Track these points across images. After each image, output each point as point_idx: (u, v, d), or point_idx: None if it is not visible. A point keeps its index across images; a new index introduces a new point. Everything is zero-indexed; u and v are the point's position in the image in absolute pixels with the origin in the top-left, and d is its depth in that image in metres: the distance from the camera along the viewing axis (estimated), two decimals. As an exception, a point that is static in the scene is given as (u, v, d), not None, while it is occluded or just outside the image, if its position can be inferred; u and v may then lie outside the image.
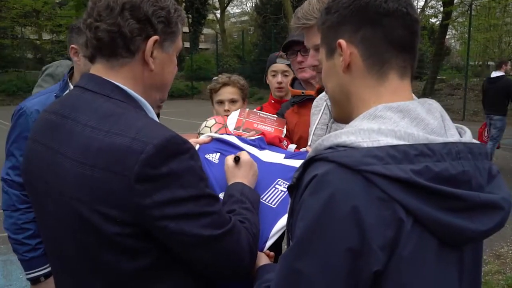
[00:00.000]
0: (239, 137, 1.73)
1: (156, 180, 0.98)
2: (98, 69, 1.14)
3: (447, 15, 18.30)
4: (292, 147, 1.82)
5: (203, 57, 29.00)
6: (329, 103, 1.71)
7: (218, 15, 35.75)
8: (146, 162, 0.96)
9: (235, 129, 1.98)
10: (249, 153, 1.62)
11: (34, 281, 2.14)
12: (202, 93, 23.48)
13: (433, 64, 19.18)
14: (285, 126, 2.04)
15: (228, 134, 1.75)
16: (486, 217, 0.85)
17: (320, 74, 1.08)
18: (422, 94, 16.76)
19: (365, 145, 0.81)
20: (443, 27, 18.81)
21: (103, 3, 1.09)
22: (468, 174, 0.84)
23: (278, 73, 2.82)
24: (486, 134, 8.30)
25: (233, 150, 1.63)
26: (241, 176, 1.41)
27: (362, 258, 0.76)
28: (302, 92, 2.18)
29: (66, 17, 24.50)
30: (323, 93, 1.80)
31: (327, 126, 1.73)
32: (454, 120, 0.93)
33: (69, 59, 2.24)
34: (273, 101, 2.87)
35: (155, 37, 1.11)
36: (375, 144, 0.81)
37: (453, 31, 24.32)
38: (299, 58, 2.11)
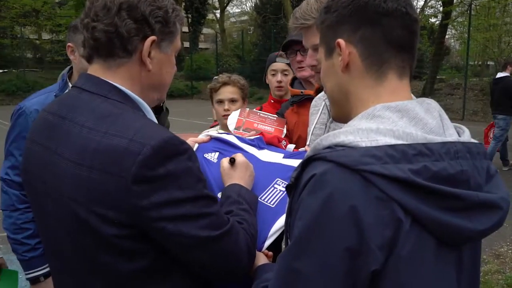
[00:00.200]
0: (238, 136, 1.73)
1: (154, 181, 0.98)
2: (96, 69, 1.14)
3: (446, 15, 18.30)
4: (291, 146, 1.82)
5: (202, 57, 29.00)
6: (327, 103, 1.71)
7: (218, 15, 35.74)
8: (143, 164, 0.96)
9: (235, 129, 1.99)
10: (248, 152, 1.62)
11: (34, 281, 2.14)
12: (201, 93, 23.49)
13: (432, 63, 19.17)
14: (285, 126, 2.04)
15: (227, 134, 1.75)
16: (485, 217, 0.85)
17: (319, 74, 1.07)
18: (422, 93, 16.76)
19: (363, 144, 0.81)
20: (443, 27, 18.80)
21: (100, 3, 1.09)
22: (466, 173, 0.84)
23: (278, 72, 2.82)
24: (491, 135, 8.38)
25: (232, 149, 1.63)
26: (238, 177, 1.40)
27: (360, 257, 0.76)
28: (301, 92, 2.18)
29: (65, 16, 24.46)
30: (322, 93, 1.80)
31: (326, 126, 1.73)
32: (453, 120, 0.94)
33: (68, 59, 2.24)
34: (272, 101, 2.87)
35: (152, 37, 1.11)
36: (374, 144, 0.81)
37: (453, 31, 24.31)
38: (299, 57, 2.11)
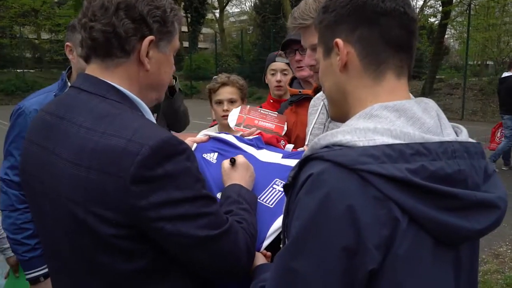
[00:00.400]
0: (236, 136, 1.73)
1: (152, 181, 0.98)
2: (93, 69, 1.14)
3: (446, 15, 18.30)
4: (290, 146, 1.82)
5: (202, 56, 28.97)
6: (326, 103, 1.72)
7: (217, 15, 35.71)
8: (141, 164, 0.96)
9: (236, 125, 1.99)
10: (247, 152, 1.62)
11: (34, 281, 2.13)
12: (201, 93, 23.44)
13: (432, 63, 19.17)
14: (285, 123, 2.05)
15: (226, 133, 1.75)
16: (482, 216, 0.85)
17: (317, 73, 1.08)
18: (421, 93, 16.76)
19: (361, 144, 0.81)
20: (442, 27, 18.81)
21: (97, 3, 1.08)
22: (464, 173, 0.84)
23: (277, 71, 2.82)
24: (498, 134, 8.40)
25: (231, 149, 1.63)
26: (238, 178, 1.41)
27: (357, 257, 0.76)
28: (299, 91, 2.18)
29: (64, 16, 24.46)
30: (321, 93, 1.81)
31: (325, 126, 1.74)
32: (453, 119, 0.94)
33: (68, 59, 2.24)
34: (272, 101, 2.87)
35: (150, 37, 1.10)
36: (371, 143, 0.81)
37: (452, 31, 24.32)
38: (298, 56, 2.11)
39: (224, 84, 2.33)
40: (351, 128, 0.85)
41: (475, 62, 26.93)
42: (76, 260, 1.09)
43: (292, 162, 1.58)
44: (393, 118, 0.86)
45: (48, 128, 1.12)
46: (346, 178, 0.78)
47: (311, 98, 2.08)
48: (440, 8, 19.65)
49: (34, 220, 1.23)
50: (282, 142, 1.88)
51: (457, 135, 0.93)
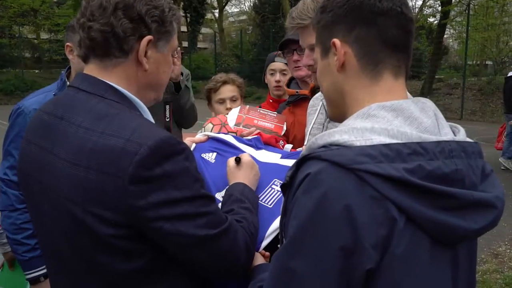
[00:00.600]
0: (235, 136, 1.73)
1: (151, 181, 0.98)
2: (92, 69, 1.14)
3: (445, 15, 18.31)
4: (289, 147, 1.83)
5: (201, 56, 28.95)
6: (325, 103, 1.72)
7: (217, 15, 35.68)
8: (140, 164, 0.96)
9: (235, 125, 1.99)
10: (245, 153, 1.62)
11: (34, 281, 2.13)
12: (200, 93, 23.39)
13: (431, 63, 19.18)
14: (285, 123, 2.05)
15: (225, 133, 1.75)
16: (479, 216, 0.85)
17: (315, 73, 1.08)
18: (420, 93, 16.78)
19: (358, 143, 0.81)
20: (441, 27, 18.82)
21: (96, 3, 1.08)
22: (461, 172, 0.84)
23: (277, 72, 2.83)
24: (505, 133, 8.44)
25: (229, 149, 1.64)
26: (242, 176, 1.41)
27: (354, 256, 0.76)
28: (297, 92, 2.19)
29: (64, 16, 24.43)
30: (319, 93, 1.81)
31: (323, 126, 1.74)
32: (452, 119, 0.94)
33: (67, 58, 2.24)
34: (271, 100, 2.88)
35: (148, 37, 1.10)
36: (368, 143, 0.81)
37: (451, 31, 24.32)
38: (295, 56, 2.12)
39: (225, 82, 2.34)
40: (348, 127, 0.85)
41: (474, 62, 26.93)
42: (74, 260, 1.09)
43: (291, 163, 1.57)
44: (390, 118, 0.86)
45: (46, 128, 1.12)
46: (343, 178, 0.78)
47: (308, 98, 2.08)
48: (439, 8, 19.65)
49: (33, 220, 1.23)
50: (281, 142, 1.88)
51: (455, 135, 0.93)
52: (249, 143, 1.70)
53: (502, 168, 8.31)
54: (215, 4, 34.88)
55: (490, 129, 13.03)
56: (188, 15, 30.51)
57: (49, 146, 1.09)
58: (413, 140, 0.82)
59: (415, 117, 0.88)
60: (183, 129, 2.60)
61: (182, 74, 2.39)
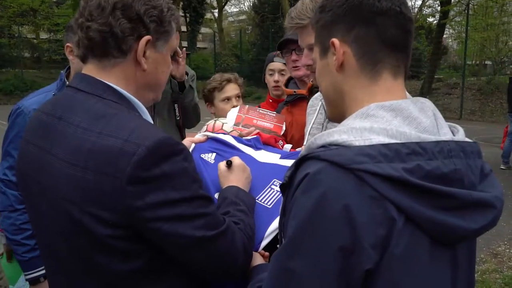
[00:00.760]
0: (235, 136, 1.73)
1: (149, 182, 0.98)
2: (90, 69, 1.14)
3: (444, 15, 18.33)
4: (288, 147, 1.83)
5: (201, 56, 28.94)
6: (324, 103, 1.72)
7: (216, 14, 35.67)
8: (138, 164, 0.96)
9: (234, 125, 1.99)
10: (245, 153, 1.62)
11: (34, 281, 2.13)
12: (200, 92, 23.46)
13: (430, 63, 19.21)
14: (284, 122, 2.05)
15: (224, 134, 1.75)
16: (478, 216, 0.85)
17: (314, 73, 1.08)
18: (420, 93, 16.80)
19: (357, 143, 0.81)
20: (441, 27, 18.84)
21: (94, 3, 1.08)
22: (460, 172, 0.84)
23: (275, 72, 2.84)
24: None
25: (229, 150, 1.63)
26: (235, 180, 1.40)
27: (353, 256, 0.76)
28: (294, 91, 2.19)
29: (63, 16, 24.40)
30: (319, 93, 1.81)
31: (323, 126, 1.74)
32: (451, 119, 0.94)
33: (66, 58, 2.24)
34: (271, 100, 2.88)
35: (147, 37, 1.10)
36: (367, 143, 0.81)
37: (451, 31, 24.37)
38: (294, 56, 2.12)
39: (229, 81, 2.36)
40: (347, 127, 0.85)
41: (473, 62, 26.97)
42: (72, 261, 1.09)
43: (290, 163, 1.57)
44: (389, 118, 0.86)
45: (45, 128, 1.12)
46: (342, 178, 0.78)
47: (306, 97, 2.09)
48: (439, 8, 19.67)
49: (31, 221, 1.22)
50: (280, 142, 1.88)
51: (454, 135, 0.93)
52: (248, 144, 1.70)
53: (502, 167, 8.32)
54: (215, 4, 34.86)
55: (489, 129, 13.05)
56: (188, 15, 30.50)
57: (47, 146, 1.09)
58: (412, 140, 0.82)
59: (414, 117, 0.88)
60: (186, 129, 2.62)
61: (187, 74, 2.42)
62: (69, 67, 2.27)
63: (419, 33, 21.69)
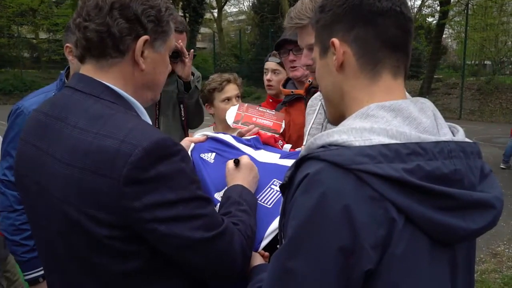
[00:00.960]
0: (234, 136, 1.73)
1: (145, 183, 0.97)
2: (88, 70, 1.13)
3: (444, 15, 18.34)
4: (288, 147, 1.83)
5: (200, 56, 28.89)
6: (323, 103, 1.72)
7: (215, 14, 35.66)
8: (135, 165, 0.96)
9: (234, 122, 1.99)
10: (244, 153, 1.62)
11: (33, 282, 2.13)
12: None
13: (430, 63, 19.21)
14: (283, 120, 2.05)
15: (224, 133, 1.75)
16: (478, 216, 0.85)
17: (314, 73, 1.08)
18: (419, 93, 16.81)
19: (357, 144, 0.81)
20: (440, 27, 18.85)
21: (92, 3, 1.08)
22: (460, 172, 0.84)
23: (269, 71, 2.86)
24: None
25: (228, 149, 1.63)
26: (241, 179, 1.40)
27: (353, 257, 0.76)
28: (292, 92, 2.20)
29: (62, 16, 24.39)
30: (318, 93, 1.81)
31: (322, 126, 1.74)
32: (450, 119, 0.94)
33: (66, 58, 2.24)
34: (271, 100, 2.89)
35: (145, 37, 1.10)
36: (367, 143, 0.81)
37: (450, 31, 24.39)
38: (291, 57, 2.12)
39: (228, 81, 2.37)
40: (347, 128, 0.85)
41: (473, 61, 26.98)
42: (70, 261, 1.08)
43: (290, 163, 1.57)
44: (389, 118, 0.86)
45: (43, 128, 1.12)
46: (342, 178, 0.78)
47: (303, 98, 2.09)
48: (438, 8, 19.69)
49: (29, 220, 1.22)
50: (280, 142, 1.88)
51: (454, 135, 0.93)
52: (248, 143, 1.70)
53: (501, 167, 8.32)
54: (214, 4, 34.85)
55: (488, 128, 13.06)
56: (187, 15, 30.48)
57: (45, 147, 1.09)
58: (412, 140, 0.82)
59: (414, 117, 0.87)
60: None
61: (193, 74, 2.43)
62: (69, 67, 2.27)
63: (418, 33, 21.69)
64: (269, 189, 1.50)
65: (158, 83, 1.21)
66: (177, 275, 1.11)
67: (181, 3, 27.91)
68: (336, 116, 1.02)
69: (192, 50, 2.41)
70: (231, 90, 2.36)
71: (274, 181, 1.52)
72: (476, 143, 0.94)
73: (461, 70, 17.98)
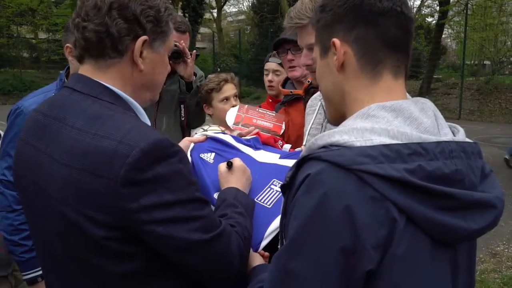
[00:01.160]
0: (234, 136, 1.73)
1: (143, 184, 0.97)
2: (87, 70, 1.13)
3: (443, 15, 18.35)
4: (287, 147, 1.83)
5: (199, 56, 28.82)
6: (324, 103, 1.72)
7: (215, 14, 35.66)
8: (132, 166, 0.95)
9: (234, 124, 1.99)
10: (244, 153, 1.62)
11: (31, 282, 2.13)
12: (199, 93, 23.39)
13: (429, 63, 19.22)
14: (283, 122, 2.05)
15: (224, 133, 1.75)
16: (479, 216, 0.85)
17: (314, 73, 1.07)
18: (419, 93, 16.81)
19: (358, 144, 0.81)
20: (439, 27, 18.86)
21: (90, 3, 1.07)
22: (461, 173, 0.84)
23: (270, 72, 2.85)
24: None
25: (228, 149, 1.63)
26: (235, 181, 1.40)
27: (355, 257, 0.76)
28: (291, 92, 2.20)
29: (62, 16, 24.35)
30: (318, 93, 1.81)
31: (322, 126, 1.74)
32: (450, 119, 0.94)
33: (65, 58, 2.23)
34: (270, 100, 2.89)
35: (143, 37, 1.10)
36: (368, 143, 0.81)
37: (449, 31, 24.39)
38: (289, 56, 2.12)
39: (226, 80, 2.37)
40: (348, 128, 0.85)
41: (472, 61, 27.00)
42: (68, 261, 1.08)
43: (290, 163, 1.58)
44: (390, 118, 0.86)
45: (41, 129, 1.12)
46: (344, 178, 0.78)
47: (302, 98, 2.09)
48: (438, 8, 19.69)
49: (28, 221, 1.22)
50: (280, 142, 1.88)
51: (454, 135, 0.93)
52: (247, 143, 1.70)
53: (506, 157, 8.21)
54: (214, 4, 34.84)
55: (488, 128, 13.07)
56: (187, 14, 30.47)
57: (43, 147, 1.08)
58: (413, 140, 0.82)
59: (415, 117, 0.87)
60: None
61: (195, 74, 2.44)
62: (69, 67, 2.27)
63: (417, 33, 21.72)
64: (269, 189, 1.50)
65: (157, 83, 1.21)
66: (175, 277, 1.11)
67: (180, 3, 27.89)
68: (336, 117, 1.02)
69: (194, 51, 2.41)
70: (229, 89, 2.36)
71: (274, 180, 1.52)
72: (477, 143, 0.93)
73: (460, 70, 17.98)
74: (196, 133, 1.98)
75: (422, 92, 17.19)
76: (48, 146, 1.07)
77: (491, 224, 0.87)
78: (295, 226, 0.80)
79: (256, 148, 1.69)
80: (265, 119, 2.03)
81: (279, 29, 22.67)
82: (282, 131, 2.02)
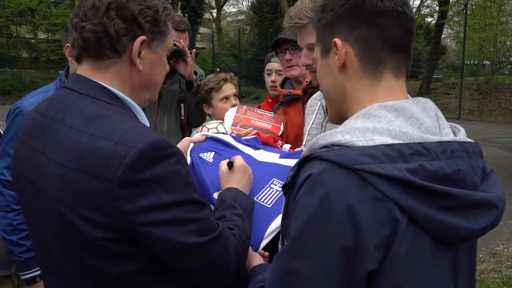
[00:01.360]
0: (234, 136, 1.72)
1: (140, 185, 0.96)
2: (85, 70, 1.12)
3: (442, 15, 18.36)
4: (287, 147, 1.82)
5: (199, 56, 28.80)
6: (323, 103, 1.71)
7: (215, 14, 35.68)
8: (129, 167, 0.95)
9: (232, 125, 1.99)
10: (244, 153, 1.62)
11: (30, 281, 2.13)
12: (198, 93, 23.41)
13: (429, 63, 19.22)
14: (282, 123, 2.05)
15: (223, 133, 1.75)
16: (481, 216, 0.85)
17: (314, 73, 1.07)
18: (418, 93, 16.82)
19: (360, 144, 0.81)
20: (439, 26, 18.87)
21: (88, 3, 1.07)
22: (463, 172, 0.84)
23: (273, 72, 2.84)
24: None
25: (228, 149, 1.63)
26: (235, 181, 1.39)
27: (357, 257, 0.75)
28: (289, 92, 2.20)
29: (61, 16, 24.32)
30: (318, 93, 1.81)
31: (322, 126, 1.73)
32: (450, 119, 0.94)
33: (64, 58, 2.23)
34: (270, 100, 2.88)
35: (142, 37, 1.09)
36: (370, 143, 0.81)
37: (449, 31, 24.42)
38: (288, 56, 2.12)
39: (225, 80, 2.38)
40: (350, 128, 0.85)
41: (471, 61, 27.01)
42: (66, 261, 1.08)
43: (290, 162, 1.58)
44: (392, 118, 0.86)
45: (39, 129, 1.11)
46: (345, 178, 0.78)
47: (301, 98, 2.09)
48: (437, 8, 19.71)
49: (26, 221, 1.22)
50: (279, 142, 1.88)
51: (455, 135, 0.93)
52: (247, 143, 1.69)
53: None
54: (213, 4, 34.85)
55: (487, 128, 13.08)
56: (186, 15, 30.47)
57: (41, 147, 1.08)
58: (415, 140, 0.82)
59: (417, 117, 0.87)
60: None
61: (196, 73, 2.44)
62: (68, 67, 2.26)
63: (417, 33, 21.63)
64: (269, 188, 1.49)
65: (155, 83, 1.20)
66: (172, 279, 1.10)
67: (180, 3, 27.90)
68: (337, 116, 1.02)
69: (194, 49, 2.41)
70: (229, 89, 2.37)
71: (274, 180, 1.52)
72: (478, 143, 0.93)
73: (460, 70, 17.98)
74: (197, 132, 1.97)
75: (421, 92, 17.20)
76: (46, 147, 1.07)
77: (492, 224, 0.87)
78: (296, 226, 0.80)
79: (255, 148, 1.69)
80: (263, 120, 2.02)
81: (279, 29, 22.67)
82: (280, 132, 2.01)
